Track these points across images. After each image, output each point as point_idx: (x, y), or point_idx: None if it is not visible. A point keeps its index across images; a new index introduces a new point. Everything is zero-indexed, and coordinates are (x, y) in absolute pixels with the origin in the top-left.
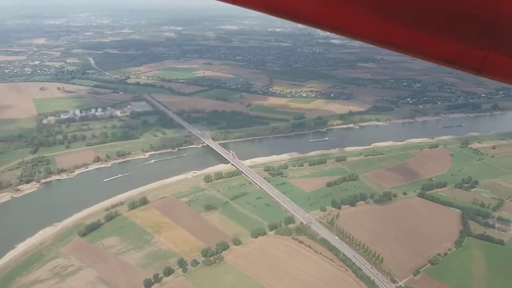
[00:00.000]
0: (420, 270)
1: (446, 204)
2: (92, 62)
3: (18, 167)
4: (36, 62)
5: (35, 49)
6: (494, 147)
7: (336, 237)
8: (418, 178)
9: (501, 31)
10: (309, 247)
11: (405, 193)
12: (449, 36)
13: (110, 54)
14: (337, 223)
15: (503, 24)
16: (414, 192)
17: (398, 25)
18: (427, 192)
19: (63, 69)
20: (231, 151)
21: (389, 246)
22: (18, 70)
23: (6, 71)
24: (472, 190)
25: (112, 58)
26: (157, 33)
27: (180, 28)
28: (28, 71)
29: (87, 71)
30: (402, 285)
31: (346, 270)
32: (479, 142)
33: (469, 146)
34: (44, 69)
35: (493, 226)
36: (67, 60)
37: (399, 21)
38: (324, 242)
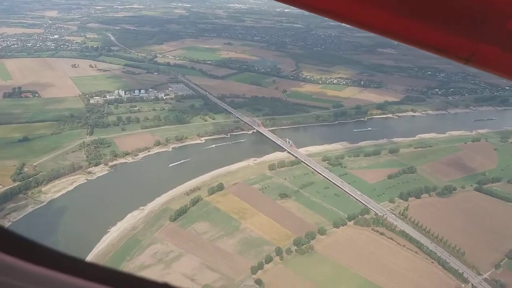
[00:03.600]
0: (501, 264)
1: (504, 199)
2: (113, 38)
3: (80, 149)
4: (56, 36)
5: (49, 22)
6: None
7: (413, 229)
8: (471, 172)
9: (490, 21)
10: (391, 239)
11: (463, 187)
12: (439, 24)
13: (128, 30)
14: (408, 214)
15: (492, 13)
16: (471, 186)
17: (387, 12)
18: (484, 187)
19: (85, 45)
20: (287, 139)
21: (463, 238)
22: (41, 44)
23: (29, 44)
24: None
25: (131, 35)
26: (168, 9)
27: (189, 5)
28: (51, 46)
29: (112, 48)
30: (488, 278)
31: (432, 262)
32: None
33: (510, 141)
34: (66, 44)
35: None
36: (87, 35)
37: (389, 8)
38: (403, 234)
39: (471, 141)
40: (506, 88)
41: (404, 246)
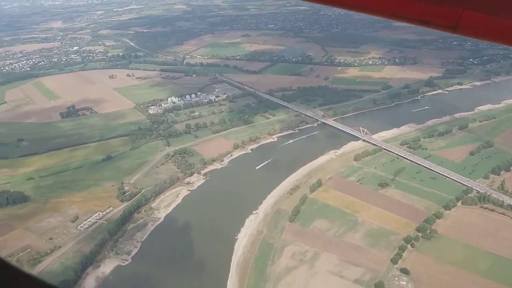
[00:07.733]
0: None
1: None
2: (132, 43)
3: (166, 161)
4: (75, 48)
5: (60, 33)
6: None
7: None
8: None
9: None
10: (503, 214)
11: None
12: None
13: (142, 33)
14: (508, 188)
15: None
16: None
17: None
18: None
19: (109, 54)
20: (361, 128)
21: None
22: (66, 58)
23: (54, 60)
24: None
25: (148, 38)
26: (167, 6)
27: None
28: (76, 59)
29: (138, 54)
30: None
31: None
32: None
33: None
34: (90, 55)
35: None
36: (106, 43)
37: None
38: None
39: None
40: None
41: None
